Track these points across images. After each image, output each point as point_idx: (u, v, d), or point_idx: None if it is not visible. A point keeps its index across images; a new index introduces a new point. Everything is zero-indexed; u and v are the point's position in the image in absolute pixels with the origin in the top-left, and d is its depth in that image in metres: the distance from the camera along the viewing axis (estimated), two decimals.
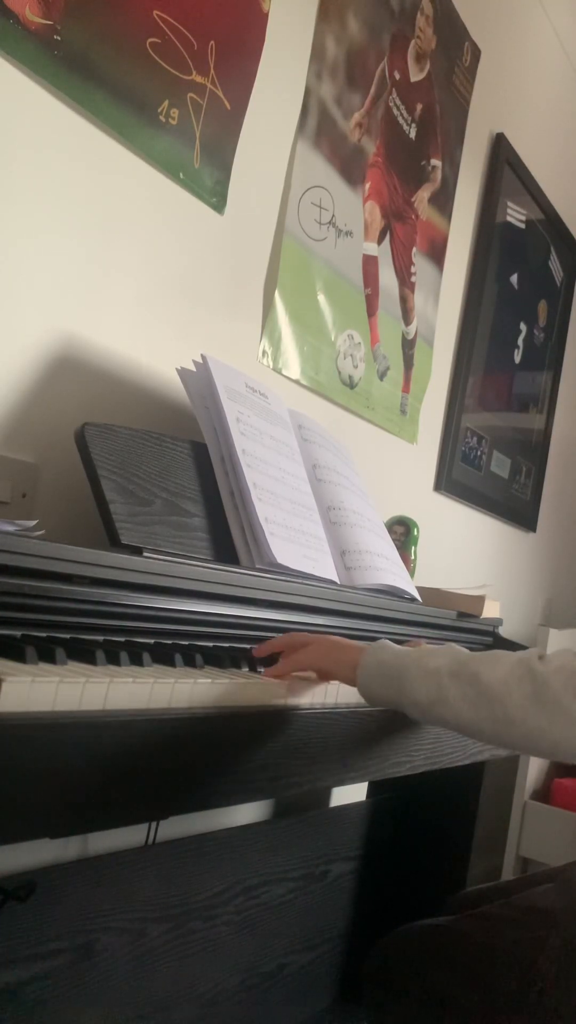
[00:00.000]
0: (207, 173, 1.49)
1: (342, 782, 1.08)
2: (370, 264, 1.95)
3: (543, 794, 2.54)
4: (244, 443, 1.28)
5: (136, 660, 0.84)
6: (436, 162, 2.16)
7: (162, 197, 1.43)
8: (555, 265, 2.93)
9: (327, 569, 1.32)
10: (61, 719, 0.68)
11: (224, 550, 1.21)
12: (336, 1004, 1.77)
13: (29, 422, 1.25)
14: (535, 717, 0.84)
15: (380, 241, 1.98)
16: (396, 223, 2.03)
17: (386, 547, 1.55)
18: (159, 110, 1.38)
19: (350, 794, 1.95)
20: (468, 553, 2.60)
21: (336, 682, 1.01)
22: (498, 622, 1.76)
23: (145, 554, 1.02)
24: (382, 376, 2.04)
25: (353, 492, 1.53)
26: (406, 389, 2.14)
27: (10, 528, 0.88)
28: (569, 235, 2.98)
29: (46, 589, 0.87)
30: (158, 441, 1.22)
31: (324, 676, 1.00)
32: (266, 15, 1.58)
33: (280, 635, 1.06)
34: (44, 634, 0.85)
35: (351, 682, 0.96)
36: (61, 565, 0.88)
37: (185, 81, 1.42)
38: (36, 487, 1.24)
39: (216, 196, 1.52)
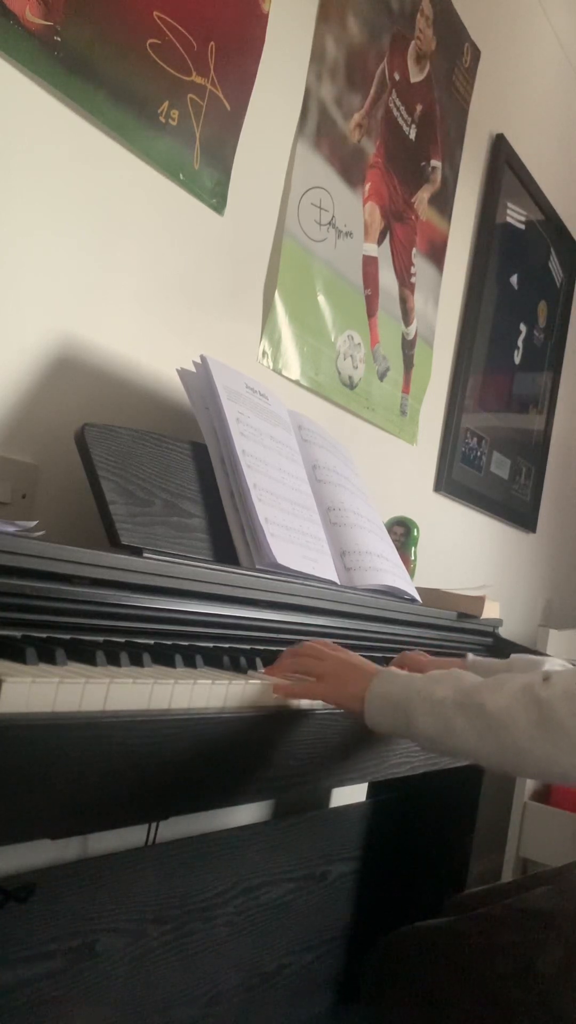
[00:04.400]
0: (207, 174, 1.49)
1: (342, 783, 1.08)
2: (370, 265, 1.95)
3: (543, 794, 2.54)
4: (244, 444, 1.28)
5: (136, 661, 0.84)
6: (436, 163, 2.16)
7: (162, 198, 1.43)
8: (555, 266, 2.93)
9: (327, 570, 1.32)
10: (61, 720, 0.68)
11: (224, 551, 1.21)
12: (336, 1005, 1.77)
13: (29, 423, 1.25)
14: (542, 745, 0.83)
15: (380, 242, 1.98)
16: (396, 224, 2.03)
17: (386, 548, 1.55)
18: (159, 111, 1.38)
19: (350, 795, 1.94)
20: (468, 554, 2.60)
21: None
22: (498, 623, 1.76)
23: (145, 555, 1.02)
24: (382, 377, 2.04)
25: (353, 493, 1.53)
26: (406, 390, 2.15)
27: (10, 529, 0.88)
28: (569, 236, 2.98)
29: (46, 590, 0.87)
30: (158, 442, 1.22)
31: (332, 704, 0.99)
32: (266, 16, 1.58)
33: (288, 651, 1.03)
34: (44, 635, 0.85)
35: (358, 713, 0.95)
36: (61, 566, 0.88)
37: (185, 82, 1.42)
38: (36, 488, 1.24)
39: (216, 197, 1.52)
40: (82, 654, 0.81)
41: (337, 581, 1.34)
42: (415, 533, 1.86)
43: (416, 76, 2.04)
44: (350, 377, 1.93)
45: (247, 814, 1.69)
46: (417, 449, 2.24)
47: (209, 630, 1.09)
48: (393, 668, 0.98)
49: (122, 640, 0.95)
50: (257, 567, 1.20)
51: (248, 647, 1.11)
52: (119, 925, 1.30)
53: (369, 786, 1.99)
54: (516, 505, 2.83)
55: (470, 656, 1.33)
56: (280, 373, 1.72)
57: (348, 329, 1.90)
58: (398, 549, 1.70)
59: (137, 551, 1.03)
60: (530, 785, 2.49)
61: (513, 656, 1.34)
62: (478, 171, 2.40)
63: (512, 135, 2.50)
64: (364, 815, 1.83)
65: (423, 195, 2.12)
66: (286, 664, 1.00)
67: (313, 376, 1.81)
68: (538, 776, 0.89)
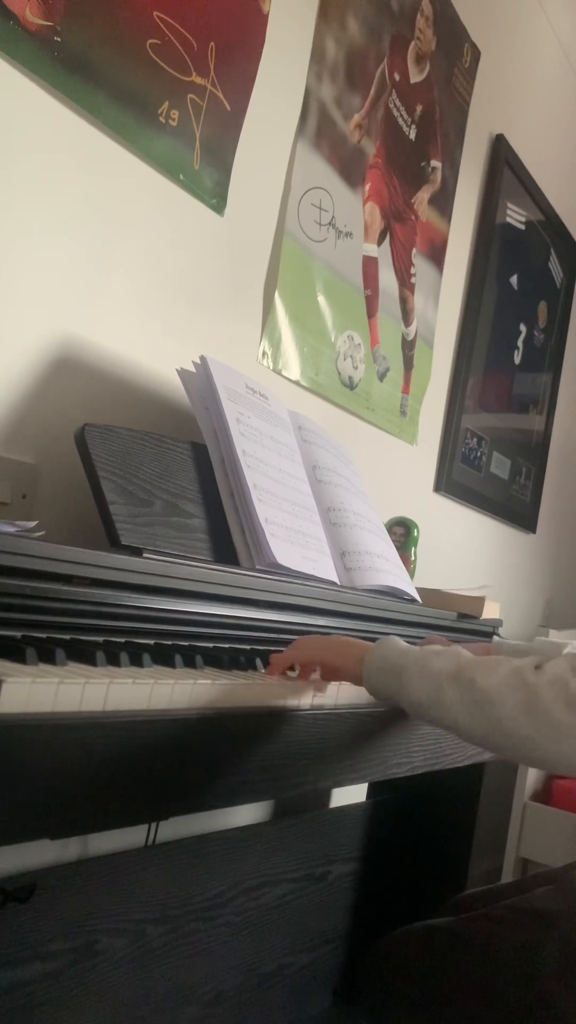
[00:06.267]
0: (207, 174, 1.49)
1: (342, 783, 1.08)
2: (370, 265, 1.95)
3: (543, 795, 2.54)
4: (244, 444, 1.28)
5: (136, 661, 0.84)
6: (436, 163, 2.16)
7: (162, 198, 1.43)
8: (555, 266, 2.93)
9: (327, 570, 1.32)
10: (61, 720, 0.68)
11: (224, 551, 1.21)
12: (336, 1005, 1.77)
13: (29, 423, 1.25)
14: (525, 727, 0.84)
15: (380, 242, 1.98)
16: (396, 224, 2.04)
17: (386, 548, 1.55)
18: (159, 111, 1.38)
19: (350, 795, 1.94)
20: (468, 554, 2.60)
21: (337, 683, 1.01)
22: (498, 623, 1.76)
23: (145, 555, 1.02)
24: (382, 377, 2.04)
25: (353, 493, 1.53)
26: (406, 390, 2.15)
27: (10, 529, 0.88)
28: (569, 236, 2.98)
29: (46, 590, 0.87)
30: (158, 442, 1.22)
31: (329, 670, 1.00)
32: (266, 16, 1.58)
33: (287, 647, 1.05)
34: (44, 635, 0.85)
35: (356, 675, 0.96)
36: (61, 566, 0.88)
37: (185, 82, 1.42)
38: (36, 488, 1.24)
39: (216, 197, 1.52)
40: (82, 654, 0.81)
41: (337, 581, 1.34)
42: (415, 533, 1.86)
43: (416, 76, 2.04)
44: (350, 377, 1.93)
45: (247, 814, 1.69)
46: (417, 449, 2.24)
47: (209, 630, 1.09)
48: (395, 637, 0.99)
49: (122, 640, 0.95)
50: (257, 567, 1.20)
51: (248, 647, 1.11)
52: (119, 925, 1.30)
53: (369, 786, 1.99)
54: (516, 505, 2.83)
55: (496, 639, 1.33)
56: (280, 373, 1.72)
57: (348, 329, 1.90)
58: (398, 549, 1.70)
59: (137, 551, 1.03)
60: (530, 785, 2.49)
61: (537, 639, 1.35)
62: (478, 171, 2.40)
63: (512, 135, 2.50)
64: (364, 815, 1.83)
65: (423, 195, 2.12)
66: (285, 657, 1.01)
67: (313, 376, 1.81)
68: (520, 759, 0.90)
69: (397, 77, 1.97)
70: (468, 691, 0.88)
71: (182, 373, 1.35)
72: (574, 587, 3.35)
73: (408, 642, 0.98)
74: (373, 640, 0.99)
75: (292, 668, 1.03)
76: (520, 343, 2.74)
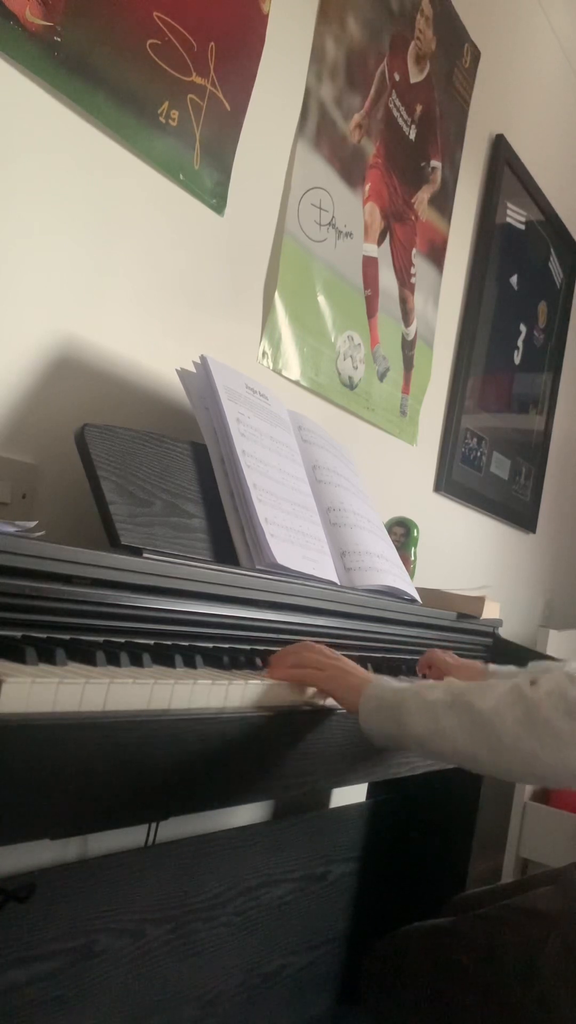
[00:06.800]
0: (207, 174, 1.49)
1: (342, 783, 1.08)
2: (370, 265, 1.95)
3: (543, 795, 2.54)
4: (244, 444, 1.28)
5: (136, 661, 0.84)
6: (436, 163, 2.16)
7: (162, 198, 1.43)
8: (555, 266, 2.93)
9: (327, 570, 1.32)
10: (61, 720, 0.68)
11: (224, 551, 1.21)
12: (336, 1005, 1.77)
13: (29, 423, 1.25)
14: (526, 740, 0.84)
15: (380, 242, 1.98)
16: (396, 224, 2.04)
17: (386, 548, 1.55)
18: (159, 111, 1.38)
19: (350, 795, 1.94)
20: (468, 554, 2.60)
21: None
22: (498, 623, 1.76)
23: (145, 555, 1.02)
24: (382, 377, 2.04)
25: (353, 493, 1.53)
26: (406, 390, 2.15)
27: (10, 529, 0.88)
28: (569, 236, 2.98)
29: (46, 590, 0.87)
30: (158, 442, 1.22)
31: (327, 694, 1.00)
32: (266, 16, 1.58)
33: (287, 648, 1.04)
34: (44, 635, 0.85)
35: (355, 708, 0.96)
36: (61, 566, 0.88)
37: (185, 82, 1.42)
38: (36, 488, 1.24)
39: (216, 197, 1.52)
40: (82, 654, 0.81)
41: (337, 581, 1.34)
42: (415, 533, 1.86)
43: (416, 76, 2.04)
44: (350, 378, 1.93)
45: (247, 814, 1.69)
46: (417, 449, 2.24)
47: (209, 630, 1.09)
48: (387, 677, 0.99)
49: (122, 640, 0.95)
50: (257, 567, 1.20)
51: (248, 647, 1.11)
52: (119, 925, 1.30)
53: (369, 786, 1.99)
54: (516, 505, 2.83)
55: (491, 666, 1.34)
56: (280, 373, 1.72)
57: (348, 330, 1.90)
58: (398, 549, 1.70)
59: (137, 551, 1.03)
60: (530, 786, 2.49)
61: (531, 664, 1.36)
62: (478, 171, 2.40)
63: (512, 135, 2.50)
64: (364, 815, 1.83)
65: (423, 195, 2.12)
66: (287, 662, 1.01)
67: (313, 376, 1.81)
68: (523, 776, 0.90)
69: (397, 77, 1.97)
70: (466, 714, 0.88)
71: (182, 373, 1.35)
72: (574, 587, 3.35)
73: (408, 642, 0.98)
74: (372, 640, 1.00)
75: None
76: (520, 343, 2.74)
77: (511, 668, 1.35)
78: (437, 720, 0.89)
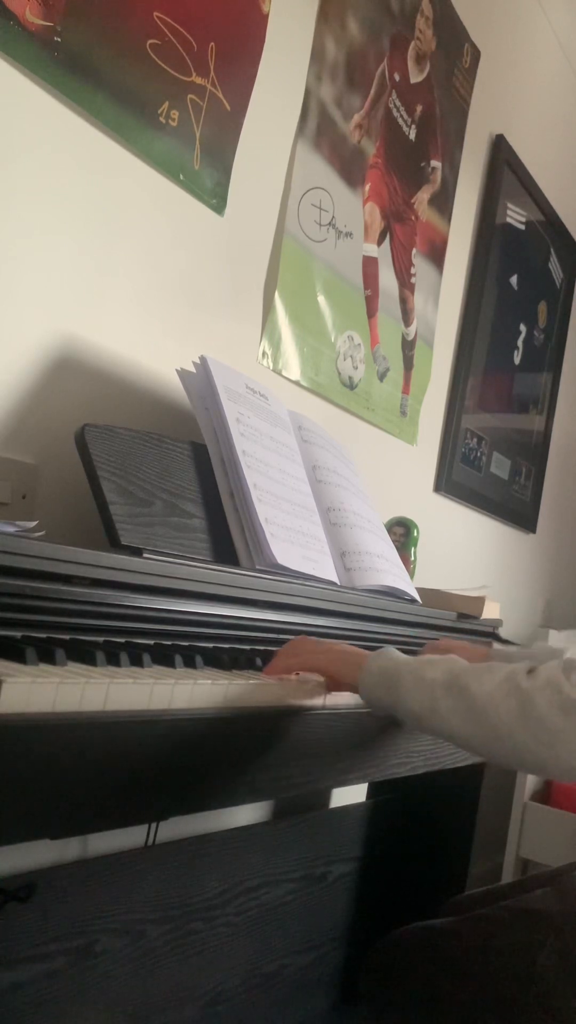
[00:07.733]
0: (207, 174, 1.49)
1: (342, 783, 1.08)
2: (370, 265, 1.95)
3: (543, 795, 2.54)
4: (244, 444, 1.28)
5: (136, 661, 0.84)
6: (436, 163, 2.16)
7: (162, 198, 1.43)
8: (555, 266, 2.93)
9: (327, 570, 1.32)
10: (61, 720, 0.68)
11: (224, 551, 1.21)
12: (336, 1005, 1.77)
13: (29, 423, 1.25)
14: (520, 733, 0.84)
15: (380, 242, 1.98)
16: (396, 224, 2.04)
17: (386, 548, 1.55)
18: (159, 111, 1.38)
19: (350, 795, 1.95)
20: (468, 554, 2.60)
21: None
22: (498, 623, 1.76)
23: (145, 555, 1.02)
24: (382, 377, 2.04)
25: (353, 493, 1.53)
26: (406, 390, 2.15)
27: (10, 529, 0.88)
28: (569, 236, 2.98)
29: (46, 590, 0.87)
30: (158, 442, 1.22)
31: (328, 677, 1.00)
32: (266, 16, 1.58)
33: (283, 649, 1.05)
34: (44, 635, 0.85)
35: (354, 684, 0.96)
36: (61, 566, 0.88)
37: (185, 83, 1.42)
38: (36, 488, 1.24)
39: (216, 197, 1.52)
40: (82, 654, 0.81)
41: (337, 581, 1.34)
42: (415, 533, 1.86)
43: (416, 77, 2.04)
44: (350, 378, 1.93)
45: (247, 814, 1.69)
46: (417, 449, 2.24)
47: (209, 630, 1.09)
48: (392, 648, 0.99)
49: (122, 640, 0.95)
50: (257, 567, 1.20)
51: (248, 647, 1.11)
52: (119, 925, 1.30)
53: (369, 786, 1.99)
54: (516, 505, 2.83)
55: (495, 646, 1.33)
56: (280, 374, 1.72)
57: (348, 330, 1.90)
58: (398, 549, 1.70)
59: (137, 551, 1.03)
60: (530, 785, 2.49)
61: (536, 644, 1.36)
62: (478, 171, 2.40)
63: (512, 135, 2.50)
64: (364, 815, 1.83)
65: (423, 195, 2.12)
66: (285, 664, 1.01)
67: (313, 377, 1.81)
68: (514, 764, 0.90)
69: (397, 77, 1.97)
70: (462, 699, 0.88)
71: (182, 373, 1.35)
72: (574, 587, 3.35)
73: (408, 642, 0.98)
74: (372, 640, 1.00)
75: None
76: (520, 343, 2.74)
77: (513, 649, 1.34)
78: (433, 700, 0.89)
